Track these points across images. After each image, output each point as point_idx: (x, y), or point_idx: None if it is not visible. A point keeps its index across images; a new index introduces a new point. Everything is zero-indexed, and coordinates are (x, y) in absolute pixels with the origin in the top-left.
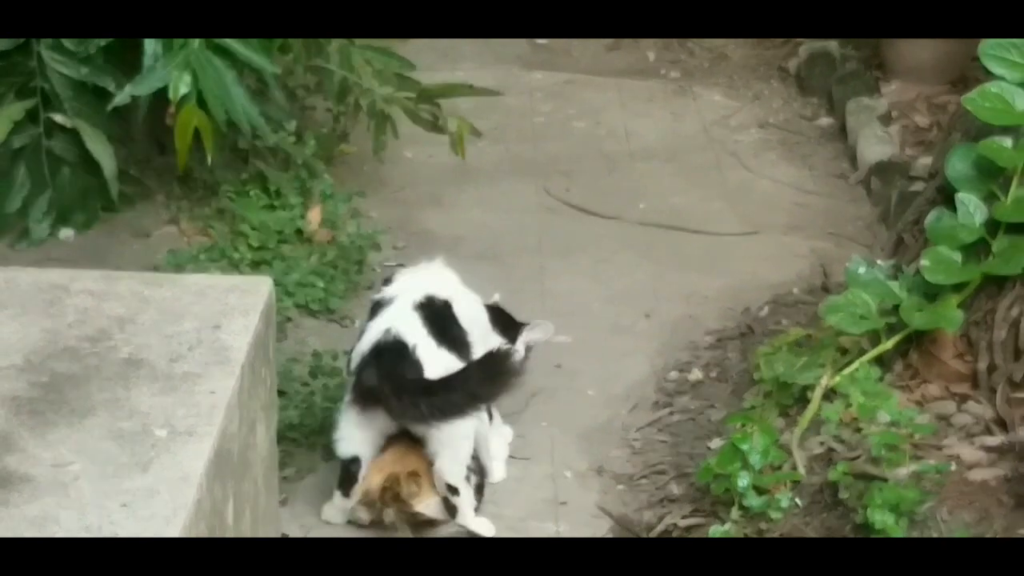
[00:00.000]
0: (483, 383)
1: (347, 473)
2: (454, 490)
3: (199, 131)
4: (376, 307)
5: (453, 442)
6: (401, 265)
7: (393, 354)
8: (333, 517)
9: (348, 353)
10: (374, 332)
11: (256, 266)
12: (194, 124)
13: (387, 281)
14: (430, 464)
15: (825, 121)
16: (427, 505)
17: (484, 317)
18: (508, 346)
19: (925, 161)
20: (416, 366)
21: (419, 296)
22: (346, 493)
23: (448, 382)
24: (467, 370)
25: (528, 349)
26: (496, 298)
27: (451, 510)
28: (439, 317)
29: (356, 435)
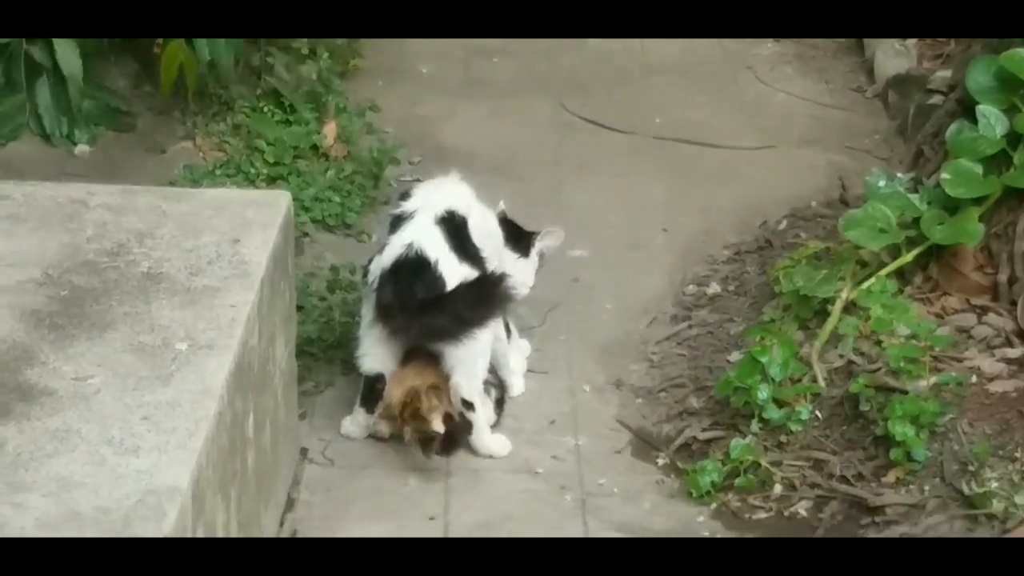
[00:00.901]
0: (470, 307)
1: (371, 390)
2: (469, 405)
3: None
4: (396, 221)
5: (469, 358)
6: (418, 180)
7: (413, 269)
8: (353, 432)
9: (366, 266)
10: (396, 246)
11: (272, 181)
12: (179, 61)
13: (404, 196)
14: (448, 378)
15: None
16: (444, 420)
17: (498, 231)
18: (500, 271)
19: (943, 74)
20: (439, 281)
21: (440, 210)
22: (370, 410)
23: (438, 302)
24: (455, 292)
25: (541, 257)
26: (501, 206)
27: (467, 426)
28: (459, 231)
29: (379, 352)
